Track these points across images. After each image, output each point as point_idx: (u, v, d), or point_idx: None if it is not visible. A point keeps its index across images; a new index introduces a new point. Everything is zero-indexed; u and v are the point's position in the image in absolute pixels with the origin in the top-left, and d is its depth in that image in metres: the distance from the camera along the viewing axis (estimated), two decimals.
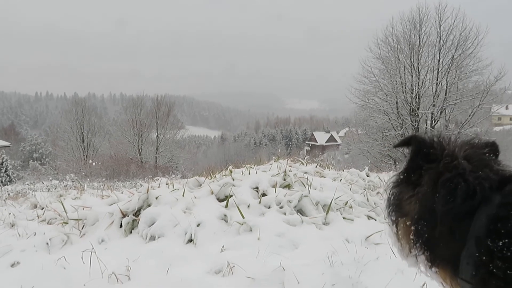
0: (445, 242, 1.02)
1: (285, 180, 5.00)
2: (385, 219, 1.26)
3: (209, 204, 4.29)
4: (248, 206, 4.23)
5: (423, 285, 2.49)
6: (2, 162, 29.47)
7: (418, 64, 23.44)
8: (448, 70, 23.03)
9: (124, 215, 4.10)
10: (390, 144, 23.02)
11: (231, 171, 5.55)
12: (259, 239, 3.51)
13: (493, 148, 1.18)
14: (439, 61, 23.43)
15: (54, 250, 3.58)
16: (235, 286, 2.77)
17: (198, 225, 3.79)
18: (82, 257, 3.15)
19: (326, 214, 4.15)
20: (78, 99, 46.44)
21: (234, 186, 4.68)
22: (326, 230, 3.93)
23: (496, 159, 1.14)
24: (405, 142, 1.19)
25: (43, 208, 4.91)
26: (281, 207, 4.24)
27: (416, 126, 23.34)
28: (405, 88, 23.44)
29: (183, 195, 4.45)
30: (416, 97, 23.28)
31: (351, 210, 4.50)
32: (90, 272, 2.98)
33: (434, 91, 23.50)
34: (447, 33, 23.05)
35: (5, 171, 29.28)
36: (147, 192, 4.31)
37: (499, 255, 0.92)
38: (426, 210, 1.06)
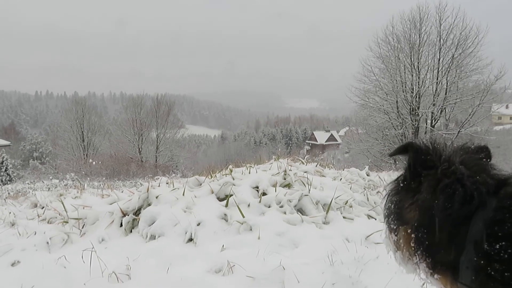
0: (445, 248, 1.03)
1: (285, 179, 5.00)
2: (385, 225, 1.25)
3: (209, 203, 4.29)
4: (248, 205, 4.23)
5: (423, 284, 2.49)
6: (2, 161, 29.49)
7: (418, 63, 23.44)
8: (448, 69, 23.03)
9: (124, 214, 4.11)
10: (390, 144, 23.04)
11: (231, 170, 5.55)
12: (259, 238, 3.51)
13: (486, 152, 1.19)
14: (439, 60, 23.44)
15: (54, 249, 3.58)
16: (235, 285, 2.77)
17: (198, 224, 3.79)
18: (82, 256, 3.15)
19: (326, 213, 4.15)
20: (78, 98, 46.42)
21: (234, 185, 4.68)
22: (326, 229, 3.93)
23: (491, 163, 1.15)
24: (401, 150, 1.18)
25: (43, 207, 4.92)
26: (281, 206, 4.24)
27: (416, 126, 23.35)
28: (405, 87, 23.44)
29: (183, 194, 4.45)
30: (416, 96, 23.27)
31: (351, 209, 4.50)
32: (90, 271, 2.98)
33: (434, 90, 23.50)
34: (447, 32, 23.07)
35: (5, 170, 29.32)
36: (147, 191, 4.31)
37: (496, 258, 0.93)
38: (426, 217, 1.06)
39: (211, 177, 5.51)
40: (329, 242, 3.30)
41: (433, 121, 23.92)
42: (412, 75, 23.45)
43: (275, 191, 4.55)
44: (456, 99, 22.80)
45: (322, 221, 4.07)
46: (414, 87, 23.40)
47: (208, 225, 3.80)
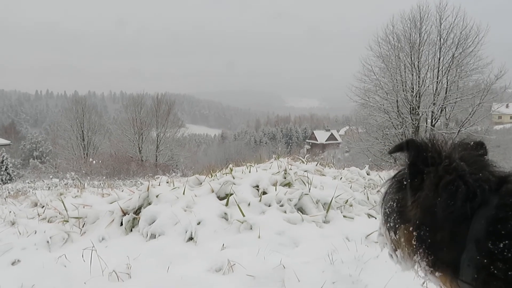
0: (447, 246, 1.02)
1: (285, 178, 5.00)
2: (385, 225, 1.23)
3: (209, 202, 4.29)
4: (249, 204, 4.23)
5: (423, 283, 2.49)
6: (3, 161, 29.51)
7: (418, 62, 23.41)
8: (448, 68, 23.00)
9: (124, 213, 4.11)
10: (391, 143, 23.01)
11: (231, 170, 5.55)
12: (259, 237, 3.51)
13: (483, 148, 1.18)
14: (439, 59, 23.40)
15: (54, 248, 3.58)
16: (236, 284, 2.78)
17: (199, 223, 3.79)
18: (82, 255, 3.15)
19: (327, 212, 4.16)
20: (78, 98, 46.38)
21: (234, 184, 4.68)
22: (327, 228, 3.93)
23: (491, 160, 1.14)
24: (401, 147, 1.16)
25: (43, 206, 4.92)
26: (282, 205, 4.24)
27: (416, 125, 23.32)
28: (406, 86, 23.42)
29: (183, 194, 4.45)
30: (416, 96, 23.25)
31: (351, 209, 4.50)
32: (90, 270, 2.98)
33: (434, 90, 23.48)
34: (447, 31, 23.02)
35: (6, 170, 29.33)
36: (148, 190, 4.31)
37: (499, 257, 0.92)
38: (428, 214, 1.05)
39: (211, 176, 5.51)
40: (329, 241, 3.30)
41: (433, 120, 23.89)
42: (413, 74, 23.42)
43: (276, 190, 4.55)
44: (456, 98, 22.77)
45: (322, 220, 4.07)
46: (414, 86, 23.37)
47: (209, 224, 3.80)
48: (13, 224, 4.15)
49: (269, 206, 4.26)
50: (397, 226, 1.14)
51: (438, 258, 1.04)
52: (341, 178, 5.93)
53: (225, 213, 4.02)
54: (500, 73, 21.41)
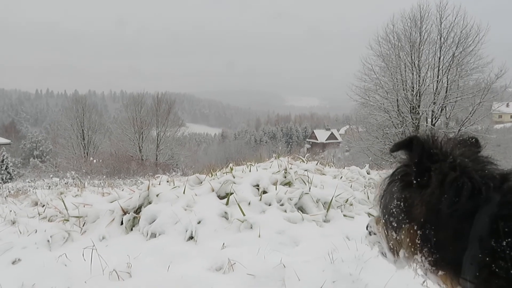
0: (451, 244, 1.00)
1: (285, 177, 5.00)
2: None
3: (209, 202, 4.29)
4: (249, 204, 4.23)
5: (423, 282, 2.49)
6: (3, 160, 29.53)
7: (418, 61, 23.38)
8: (448, 67, 22.97)
9: (124, 213, 4.11)
10: (391, 142, 22.99)
11: (231, 169, 5.55)
12: (259, 236, 3.52)
13: (478, 145, 1.17)
14: (439, 58, 23.37)
15: (55, 247, 3.59)
16: (236, 283, 2.78)
17: (199, 222, 3.79)
18: (83, 254, 3.15)
19: (327, 211, 4.16)
20: (79, 97, 46.34)
21: (234, 183, 4.68)
22: (327, 227, 3.93)
23: (490, 157, 1.12)
24: (405, 145, 1.12)
25: (44, 205, 4.92)
26: (282, 205, 4.24)
27: (416, 124, 23.30)
28: (406, 85, 23.40)
29: (183, 193, 4.45)
30: (416, 95, 23.23)
31: (351, 208, 4.51)
32: (91, 269, 2.98)
33: (434, 89, 23.45)
34: (447, 30, 22.99)
35: (6, 169, 29.36)
36: (148, 189, 4.31)
37: (502, 255, 0.91)
38: (432, 212, 1.03)
39: (212, 175, 5.51)
40: (329, 240, 3.30)
41: (434, 119, 23.87)
42: (413, 74, 23.40)
43: (276, 189, 4.55)
44: (456, 97, 22.74)
45: (322, 219, 4.07)
46: (415, 86, 23.35)
47: (209, 223, 3.80)
48: (13, 223, 4.15)
49: (270, 205, 4.26)
50: (400, 225, 1.11)
51: (441, 256, 1.03)
52: (341, 177, 5.92)
53: (226, 212, 4.02)
54: (500, 72, 21.42)
